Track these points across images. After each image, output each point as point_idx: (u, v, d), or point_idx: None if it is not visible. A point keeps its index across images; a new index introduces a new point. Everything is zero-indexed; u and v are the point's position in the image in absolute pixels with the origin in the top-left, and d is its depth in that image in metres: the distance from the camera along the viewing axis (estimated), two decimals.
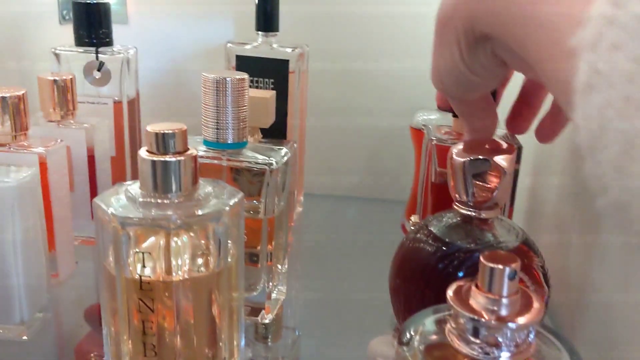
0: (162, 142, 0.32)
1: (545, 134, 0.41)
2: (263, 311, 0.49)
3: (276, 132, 0.62)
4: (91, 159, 0.59)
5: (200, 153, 0.45)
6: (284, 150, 0.48)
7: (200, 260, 0.34)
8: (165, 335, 0.34)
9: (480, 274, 0.30)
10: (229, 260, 0.35)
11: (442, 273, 0.42)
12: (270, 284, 0.49)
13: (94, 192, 0.60)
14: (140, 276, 0.32)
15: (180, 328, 0.34)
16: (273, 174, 0.45)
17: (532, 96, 0.42)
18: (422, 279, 0.43)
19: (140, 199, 0.33)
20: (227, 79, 0.44)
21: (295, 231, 0.69)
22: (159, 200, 0.33)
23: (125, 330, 0.34)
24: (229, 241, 0.35)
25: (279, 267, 0.51)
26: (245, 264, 0.48)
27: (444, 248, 0.42)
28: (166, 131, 0.32)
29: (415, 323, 0.34)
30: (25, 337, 0.46)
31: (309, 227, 0.73)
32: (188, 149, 0.33)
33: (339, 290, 0.59)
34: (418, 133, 0.62)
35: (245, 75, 0.46)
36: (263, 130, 0.58)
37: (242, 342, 0.39)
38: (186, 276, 0.33)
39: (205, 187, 0.35)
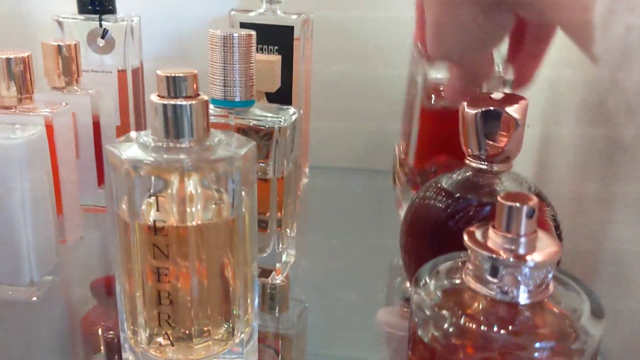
0: (173, 85, 0.32)
1: (523, 75, 0.40)
2: (274, 272, 0.49)
3: (281, 99, 0.61)
4: (96, 127, 0.59)
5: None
6: (292, 109, 0.48)
7: (213, 208, 0.34)
8: (179, 284, 0.34)
9: (497, 213, 0.30)
10: (242, 209, 0.34)
11: (454, 228, 0.41)
12: (280, 246, 0.49)
13: (99, 160, 0.59)
14: (154, 221, 0.32)
15: (194, 277, 0.34)
16: (282, 132, 0.45)
17: (535, 43, 0.42)
18: (433, 235, 0.43)
19: (152, 144, 0.32)
20: (234, 35, 0.44)
21: (301, 202, 0.69)
22: (171, 145, 0.32)
23: (139, 280, 0.34)
24: (242, 189, 0.34)
25: (288, 231, 0.51)
26: (259, 229, 0.48)
27: (455, 203, 0.42)
28: (177, 74, 0.32)
29: (430, 269, 0.33)
30: (34, 299, 0.45)
31: (315, 199, 0.72)
32: (199, 94, 0.33)
33: (346, 261, 0.59)
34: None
35: (253, 32, 0.45)
36: (268, 97, 0.58)
37: (256, 302, 0.39)
38: (199, 222, 0.33)
39: (217, 135, 0.34)
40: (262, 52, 0.63)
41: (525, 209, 0.29)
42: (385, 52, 0.73)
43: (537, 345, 0.29)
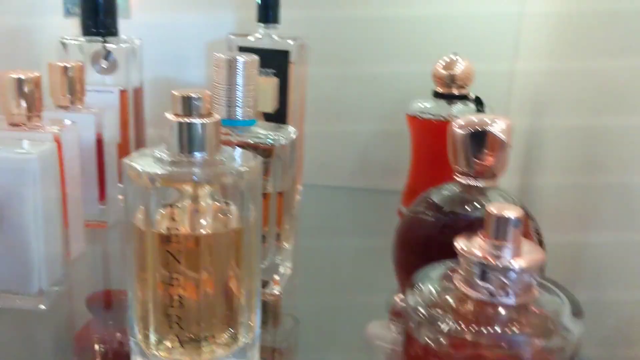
0: (187, 104, 0.35)
1: None
2: (271, 282, 0.51)
3: (278, 119, 0.64)
4: (99, 144, 0.61)
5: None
6: (291, 128, 0.50)
7: (222, 218, 0.36)
8: (189, 290, 0.36)
9: (486, 222, 0.33)
10: (250, 220, 0.37)
11: (444, 241, 0.44)
12: (279, 257, 0.51)
13: (101, 177, 0.62)
14: (169, 229, 0.34)
15: (203, 283, 0.36)
16: (282, 149, 0.48)
17: None
18: (424, 248, 0.45)
19: (168, 159, 0.35)
20: (239, 59, 0.47)
21: (295, 221, 0.71)
22: (185, 159, 0.35)
23: (152, 285, 0.36)
24: (250, 202, 0.37)
25: (286, 244, 0.53)
26: None
27: (445, 217, 0.45)
28: (192, 94, 0.35)
29: (424, 275, 0.36)
30: (42, 307, 0.47)
31: (308, 217, 0.75)
32: (212, 114, 0.36)
33: (337, 277, 0.61)
34: (415, 121, 0.65)
35: (256, 57, 0.48)
36: (266, 118, 0.61)
37: (259, 312, 0.41)
38: (209, 232, 0.35)
39: (227, 151, 0.37)
40: (259, 75, 0.65)
41: (512, 218, 0.32)
42: (379, 76, 0.77)
43: (523, 342, 0.31)
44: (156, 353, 0.38)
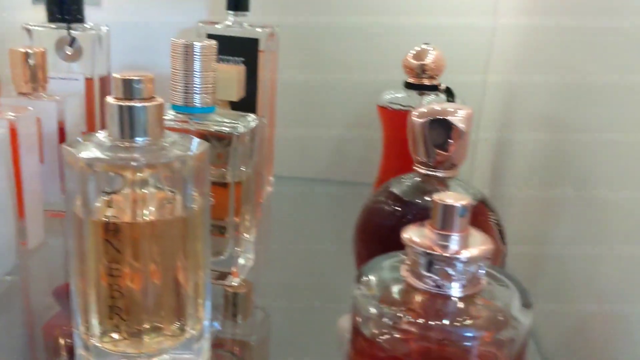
0: (128, 87, 0.33)
1: None
2: (230, 275, 0.50)
3: (246, 109, 0.63)
4: (62, 133, 0.60)
5: (169, 117, 0.47)
6: (252, 117, 0.49)
7: (165, 206, 0.35)
8: (131, 280, 0.35)
9: (433, 212, 0.32)
10: (194, 208, 0.36)
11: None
12: (238, 249, 0.50)
13: (63, 166, 0.60)
14: (107, 218, 0.33)
15: (145, 273, 0.35)
16: (240, 138, 0.47)
17: None
18: (383, 238, 0.44)
19: (108, 144, 0.34)
20: (196, 44, 0.45)
21: (265, 211, 0.70)
22: (126, 144, 0.34)
23: (93, 275, 0.35)
24: (194, 190, 0.36)
25: (246, 235, 0.52)
26: (214, 234, 0.49)
27: (405, 207, 0.44)
28: (133, 77, 0.33)
29: (373, 266, 0.35)
30: None
31: (279, 208, 0.74)
32: (154, 97, 0.34)
33: (308, 269, 0.60)
34: (385, 111, 0.64)
35: (214, 42, 0.47)
36: (234, 107, 0.60)
37: (209, 301, 0.40)
38: (152, 219, 0.34)
39: (172, 136, 0.36)
40: (228, 63, 0.64)
41: (458, 207, 0.31)
42: (350, 63, 0.76)
43: (471, 334, 0.30)
44: (99, 345, 0.36)
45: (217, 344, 0.47)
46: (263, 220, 0.68)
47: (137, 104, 0.34)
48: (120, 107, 0.34)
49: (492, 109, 0.71)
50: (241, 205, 0.49)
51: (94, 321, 0.36)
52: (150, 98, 0.34)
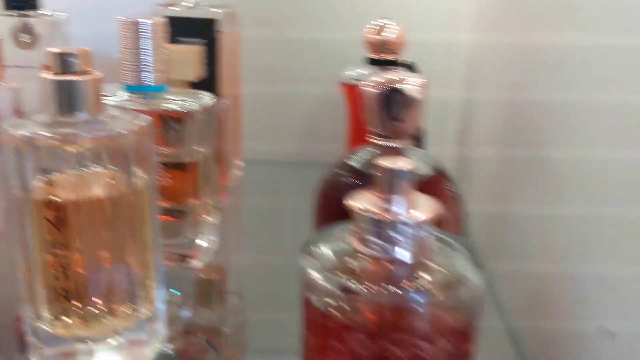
0: (63, 61, 0.32)
1: None
2: (191, 259, 0.49)
3: (207, 90, 0.62)
4: None
5: (121, 98, 0.46)
6: (207, 95, 0.48)
7: (108, 184, 0.34)
8: (74, 260, 0.34)
9: (377, 177, 0.31)
10: (137, 184, 0.35)
11: None
12: (197, 232, 0.49)
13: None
14: (47, 196, 0.32)
15: (88, 253, 0.34)
16: (193, 116, 0.46)
17: None
18: (342, 212, 0.44)
19: (44, 120, 0.33)
20: (144, 21, 0.44)
21: (235, 194, 0.70)
22: (64, 120, 0.33)
23: (37, 259, 0.34)
24: (138, 167, 0.35)
25: (207, 218, 0.51)
26: (174, 218, 0.49)
27: (363, 180, 0.43)
28: (66, 51, 0.32)
29: (320, 238, 0.34)
30: None
31: (250, 192, 0.73)
32: (91, 72, 0.33)
33: (281, 252, 0.59)
34: (348, 88, 0.63)
35: (163, 19, 0.46)
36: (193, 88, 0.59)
37: (161, 282, 0.39)
38: (94, 197, 0.33)
39: (112, 111, 0.35)
40: (187, 45, 0.63)
41: (402, 171, 0.30)
42: (318, 44, 0.75)
43: (421, 298, 0.30)
44: (48, 329, 0.36)
45: (191, 331, 0.46)
46: (232, 203, 0.68)
47: (72, 78, 0.33)
48: (56, 81, 0.33)
49: (459, 72, 0.71)
50: (199, 186, 0.48)
51: (42, 305, 0.35)
52: (87, 72, 0.33)
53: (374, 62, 0.62)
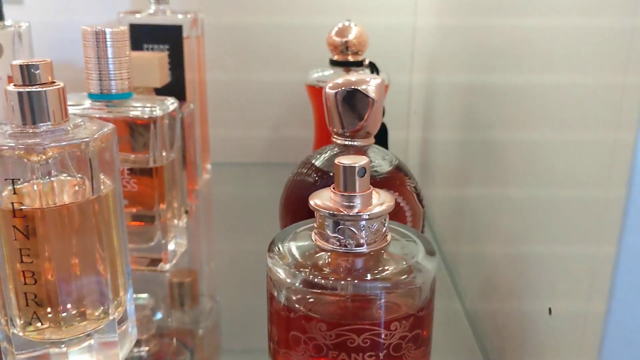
0: (26, 73, 0.33)
1: None
2: (161, 262, 0.50)
3: (175, 96, 0.63)
4: None
5: (85, 106, 0.46)
6: (171, 100, 0.49)
7: (74, 191, 0.35)
8: (44, 269, 0.35)
9: (335, 175, 0.33)
10: (102, 190, 0.36)
11: None
12: (169, 236, 0.50)
13: None
14: (13, 204, 0.33)
15: (56, 259, 0.35)
16: (159, 122, 0.47)
17: None
18: (307, 211, 0.45)
19: (10, 131, 0.34)
20: (107, 30, 0.45)
21: (203, 197, 0.70)
22: (29, 130, 0.34)
23: (7, 266, 0.35)
24: (103, 174, 0.36)
25: (176, 221, 0.52)
26: (143, 223, 0.49)
27: (326, 178, 0.44)
28: (30, 62, 0.33)
29: (284, 236, 0.36)
30: None
31: (218, 194, 0.74)
32: (54, 82, 0.34)
33: (252, 254, 0.60)
34: (313, 90, 0.65)
35: (125, 27, 0.47)
36: (161, 94, 0.60)
37: (129, 288, 0.40)
38: (61, 204, 0.34)
39: (76, 120, 0.36)
40: (153, 52, 0.64)
41: (357, 167, 0.32)
42: (279, 44, 0.76)
43: (378, 286, 0.31)
44: (20, 334, 0.36)
45: (164, 334, 0.47)
46: (201, 206, 0.69)
47: (36, 89, 0.33)
48: (20, 93, 0.33)
49: (422, 53, 0.73)
50: (166, 191, 0.49)
51: (13, 311, 0.36)
52: (51, 83, 0.34)
53: (337, 64, 0.63)
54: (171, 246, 0.51)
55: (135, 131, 0.47)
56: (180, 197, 0.52)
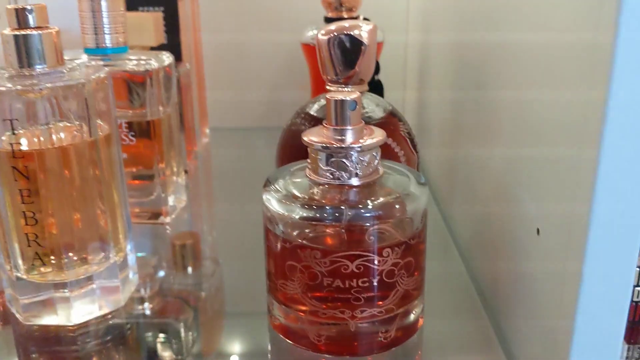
0: (21, 17, 0.34)
1: None
2: (162, 216, 0.51)
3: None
4: None
5: (82, 61, 0.47)
6: (167, 55, 0.50)
7: (72, 134, 0.36)
8: (42, 205, 0.35)
9: (326, 109, 0.33)
10: (100, 133, 0.37)
11: None
12: (168, 189, 0.51)
13: None
14: (12, 144, 0.34)
15: (56, 199, 0.36)
16: (154, 75, 0.47)
17: None
18: (301, 157, 0.46)
19: (7, 75, 0.34)
20: None
21: (203, 161, 0.71)
22: (26, 73, 0.34)
23: (8, 208, 0.35)
24: (99, 118, 0.37)
25: (175, 178, 0.53)
26: (143, 181, 0.50)
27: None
28: (26, 6, 0.34)
29: (279, 174, 0.36)
30: None
31: (217, 158, 0.74)
32: (48, 26, 0.35)
33: (251, 215, 0.61)
34: (308, 48, 0.65)
35: None
36: None
37: (129, 234, 0.41)
38: (59, 145, 0.35)
39: (72, 63, 0.36)
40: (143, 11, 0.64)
41: (347, 101, 0.32)
42: (276, 6, 0.76)
43: (369, 215, 0.32)
44: (24, 277, 0.37)
45: (167, 293, 0.48)
46: (200, 167, 0.69)
47: (32, 32, 0.34)
48: (16, 36, 0.34)
49: (416, 12, 0.73)
50: (164, 150, 0.50)
51: (16, 254, 0.37)
52: (45, 27, 0.35)
53: (331, 21, 0.63)
54: (171, 201, 0.52)
55: (131, 84, 0.47)
56: (178, 157, 0.53)
